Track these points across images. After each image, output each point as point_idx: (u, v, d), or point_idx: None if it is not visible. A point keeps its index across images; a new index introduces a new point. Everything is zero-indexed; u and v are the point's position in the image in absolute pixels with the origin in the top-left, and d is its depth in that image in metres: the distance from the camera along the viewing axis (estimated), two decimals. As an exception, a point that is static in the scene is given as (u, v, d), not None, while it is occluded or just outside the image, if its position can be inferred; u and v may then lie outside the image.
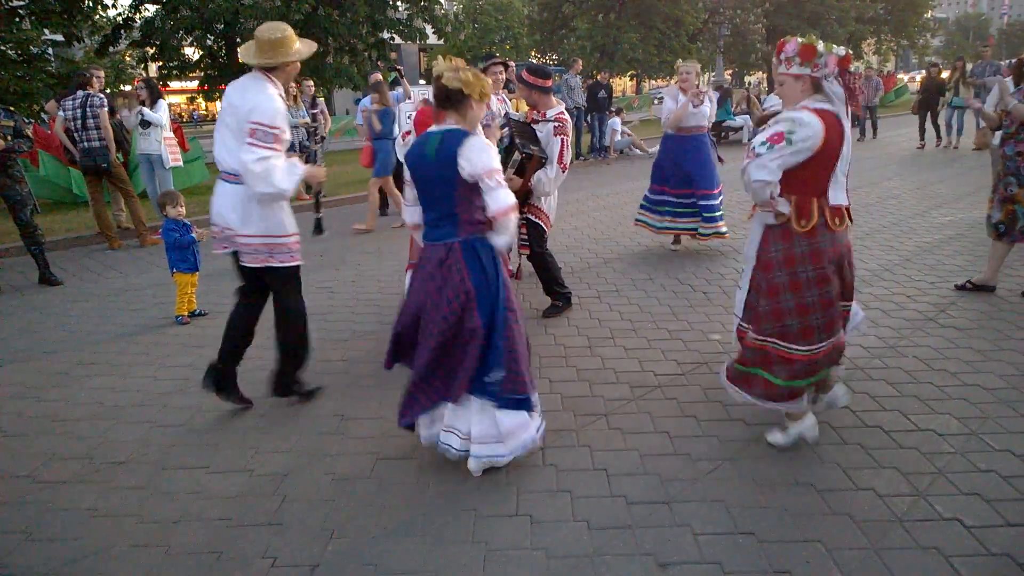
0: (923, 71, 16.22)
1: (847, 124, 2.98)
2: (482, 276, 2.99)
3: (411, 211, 3.26)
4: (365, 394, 4.04)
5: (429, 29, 19.20)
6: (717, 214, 6.69)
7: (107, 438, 3.66)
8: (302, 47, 3.59)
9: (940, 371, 4.03)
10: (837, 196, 3.04)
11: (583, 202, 10.05)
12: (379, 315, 5.44)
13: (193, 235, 5.39)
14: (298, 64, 3.63)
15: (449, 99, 2.94)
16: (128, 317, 5.69)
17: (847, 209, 3.14)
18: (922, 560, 2.51)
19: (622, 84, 41.45)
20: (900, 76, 36.30)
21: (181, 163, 9.34)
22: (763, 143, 2.88)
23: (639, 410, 3.72)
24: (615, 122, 15.32)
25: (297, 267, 3.77)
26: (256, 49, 3.50)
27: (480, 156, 2.88)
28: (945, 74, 15.03)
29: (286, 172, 3.42)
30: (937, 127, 14.82)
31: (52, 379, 4.48)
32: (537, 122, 5.01)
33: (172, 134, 8.73)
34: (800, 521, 2.74)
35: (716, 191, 6.69)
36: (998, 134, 5.09)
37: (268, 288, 3.81)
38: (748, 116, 17.63)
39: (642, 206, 7.03)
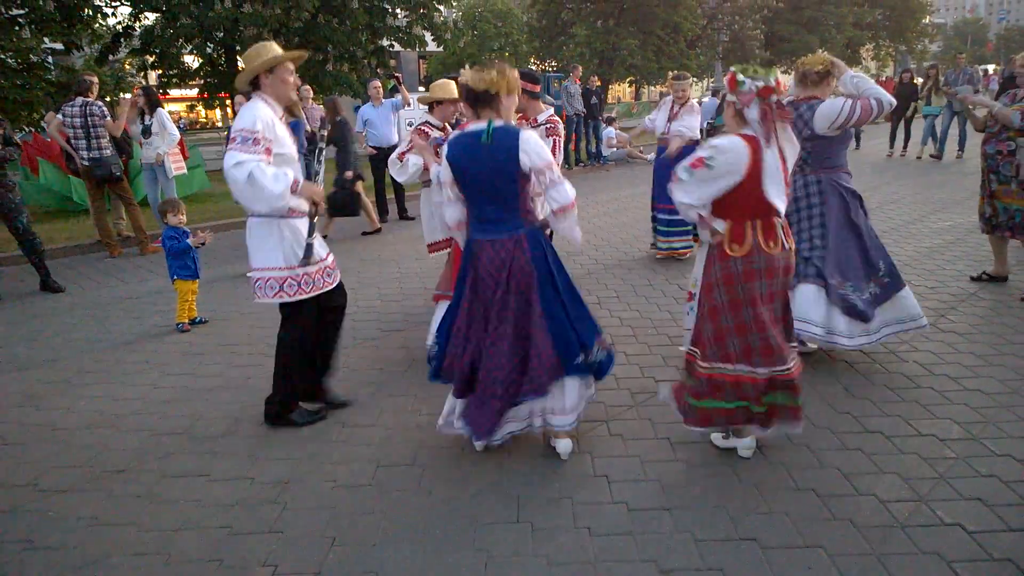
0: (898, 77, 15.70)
1: (766, 148, 2.93)
2: (550, 263, 3.12)
3: (452, 209, 3.23)
4: (366, 401, 4.04)
5: (428, 36, 19.26)
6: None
7: (107, 446, 3.66)
8: (267, 53, 3.37)
9: (941, 376, 4.03)
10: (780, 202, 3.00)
11: (583, 208, 10.05)
12: (379, 322, 5.44)
13: (189, 241, 5.39)
14: (285, 76, 3.40)
15: (480, 100, 3.01)
16: (128, 325, 5.69)
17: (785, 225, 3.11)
18: (924, 565, 2.51)
19: (620, 90, 41.56)
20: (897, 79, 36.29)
21: (185, 171, 9.36)
22: (685, 168, 3.01)
23: (640, 416, 3.71)
24: (610, 132, 15.21)
25: (300, 302, 3.58)
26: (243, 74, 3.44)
27: (539, 149, 2.96)
28: (919, 80, 14.63)
29: (273, 177, 3.22)
30: (908, 134, 14.46)
31: (52, 387, 4.48)
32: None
33: (176, 141, 8.70)
34: (801, 527, 2.74)
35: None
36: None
37: (324, 305, 3.73)
38: None
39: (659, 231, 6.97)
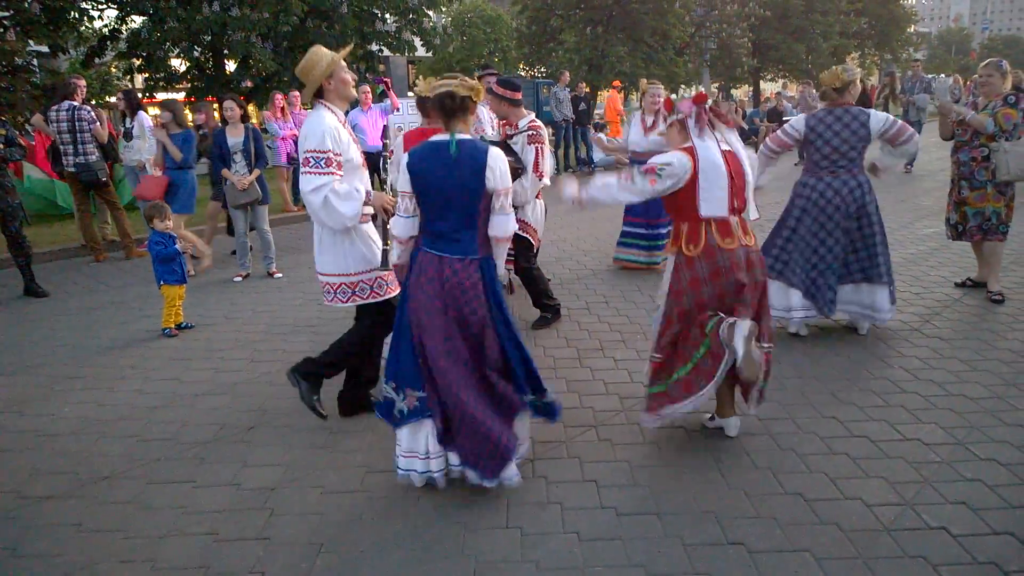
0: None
1: (705, 145, 3.25)
2: (501, 297, 3.02)
3: (406, 224, 3.07)
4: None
5: (418, 42, 19.26)
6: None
7: (93, 453, 3.62)
8: (331, 57, 3.39)
9: (926, 381, 4.07)
10: (713, 207, 3.25)
11: (572, 214, 10.06)
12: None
13: (177, 247, 5.37)
14: (341, 75, 3.41)
15: (458, 108, 2.95)
16: (114, 330, 5.64)
17: (741, 223, 3.34)
18: (910, 569, 2.53)
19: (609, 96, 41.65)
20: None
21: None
22: (639, 172, 3.31)
23: (629, 421, 3.72)
24: (600, 138, 15.25)
25: (385, 302, 3.63)
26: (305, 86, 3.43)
27: (506, 172, 2.94)
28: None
29: (346, 198, 3.30)
30: None
31: (36, 393, 4.43)
32: (511, 136, 5.05)
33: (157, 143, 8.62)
34: (789, 531, 2.76)
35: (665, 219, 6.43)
36: None
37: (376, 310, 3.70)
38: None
39: (622, 243, 6.86)
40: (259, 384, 4.43)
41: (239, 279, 7.04)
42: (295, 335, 5.33)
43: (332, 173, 3.30)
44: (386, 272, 3.54)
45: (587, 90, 16.47)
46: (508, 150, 4.90)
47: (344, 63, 3.45)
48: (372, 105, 9.56)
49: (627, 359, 4.56)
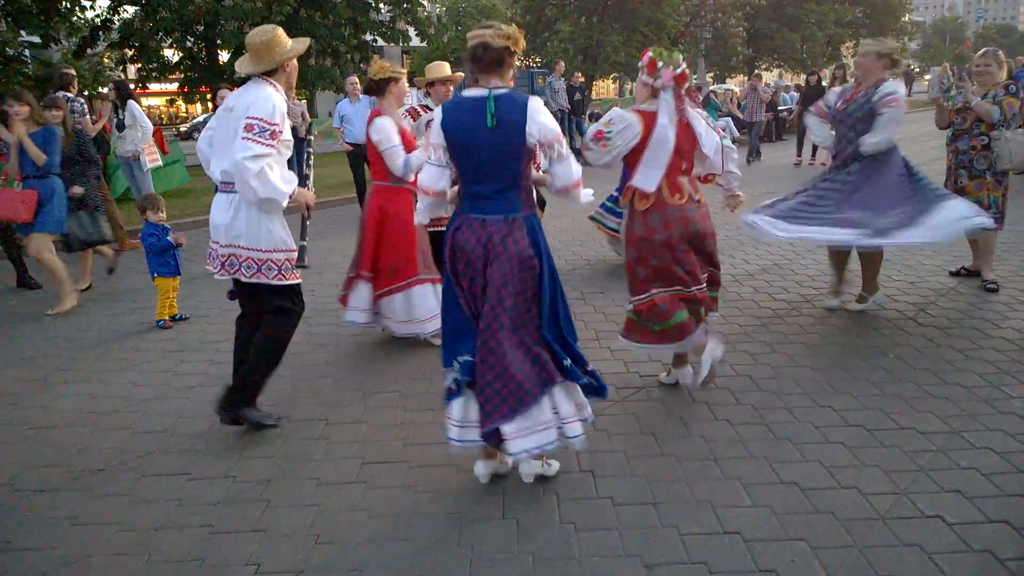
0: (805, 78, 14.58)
1: (665, 123, 3.43)
2: (549, 254, 2.86)
3: (432, 171, 2.88)
4: (349, 397, 4.01)
5: (412, 31, 19.17)
6: None
7: (86, 445, 3.61)
8: (296, 44, 3.40)
9: (921, 370, 4.07)
10: (645, 180, 3.49)
11: (567, 204, 10.07)
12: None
13: (170, 238, 5.34)
14: (295, 63, 3.42)
15: (493, 61, 2.72)
16: (107, 322, 5.62)
17: (691, 182, 3.64)
18: (905, 557, 2.53)
19: (604, 86, 41.62)
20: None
21: (160, 163, 9.20)
22: (591, 138, 3.52)
23: (624, 411, 3.72)
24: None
25: (292, 286, 3.55)
26: (249, 58, 3.34)
27: (548, 120, 2.73)
28: (827, 82, 13.46)
29: (283, 177, 3.25)
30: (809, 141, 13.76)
31: (29, 385, 4.41)
32: None
33: (150, 132, 8.56)
34: (785, 520, 2.76)
35: None
36: None
37: (260, 303, 3.57)
38: (730, 118, 17.78)
39: (604, 206, 6.66)
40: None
41: (233, 271, 6.99)
42: (290, 326, 5.30)
43: (273, 147, 3.21)
44: (283, 257, 3.45)
45: (582, 80, 16.43)
46: None
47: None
48: (360, 96, 9.40)
49: (622, 349, 4.54)
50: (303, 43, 3.46)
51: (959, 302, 5.23)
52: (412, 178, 4.33)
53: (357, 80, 9.64)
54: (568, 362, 2.89)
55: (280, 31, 3.36)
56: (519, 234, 2.76)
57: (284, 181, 3.28)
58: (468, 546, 2.69)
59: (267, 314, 3.57)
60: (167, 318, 5.44)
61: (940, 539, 2.62)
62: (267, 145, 3.18)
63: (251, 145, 3.15)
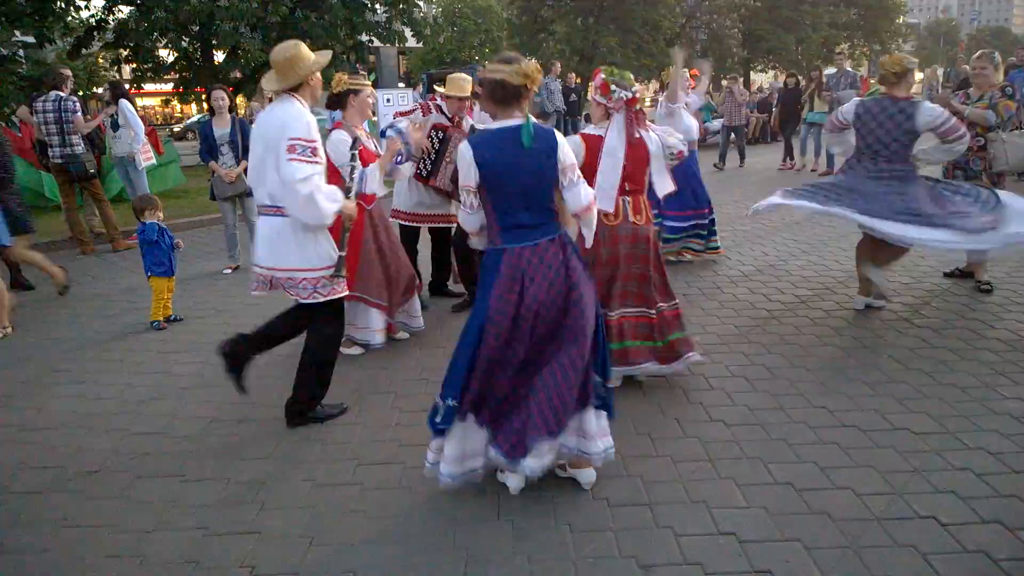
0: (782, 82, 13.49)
1: (614, 144, 3.65)
2: (583, 268, 2.92)
3: (474, 218, 2.90)
4: (345, 399, 4.00)
5: (408, 32, 19.15)
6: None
7: (80, 447, 3.59)
8: (319, 57, 3.45)
9: (915, 371, 4.08)
10: (603, 200, 3.62)
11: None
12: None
13: (172, 241, 5.35)
14: (319, 76, 3.46)
15: (512, 96, 2.76)
16: (101, 323, 5.60)
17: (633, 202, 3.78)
18: (899, 558, 2.54)
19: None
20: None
21: (154, 161, 9.17)
22: None
23: (620, 413, 3.70)
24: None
25: (339, 307, 3.67)
26: (275, 75, 3.39)
27: (570, 147, 2.87)
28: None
29: (328, 196, 3.33)
30: (791, 146, 13.28)
31: (22, 387, 4.39)
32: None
33: (142, 132, 8.51)
34: (780, 521, 2.76)
35: (706, 210, 6.65)
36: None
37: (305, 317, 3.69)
38: (722, 120, 17.76)
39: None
40: (249, 377, 4.38)
41: (228, 271, 7.00)
42: (285, 327, 5.29)
43: (318, 163, 3.29)
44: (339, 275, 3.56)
45: (578, 81, 16.44)
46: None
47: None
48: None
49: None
50: (326, 56, 3.53)
51: (953, 303, 5.25)
52: (367, 192, 4.31)
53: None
54: (598, 379, 2.95)
55: (303, 47, 3.41)
56: (568, 251, 2.86)
57: (331, 201, 3.35)
58: (463, 548, 2.69)
59: (311, 330, 3.71)
60: (161, 319, 5.42)
61: (934, 539, 2.62)
62: (312, 163, 3.26)
63: (299, 166, 3.22)
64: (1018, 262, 6.09)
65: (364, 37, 18.11)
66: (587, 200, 2.88)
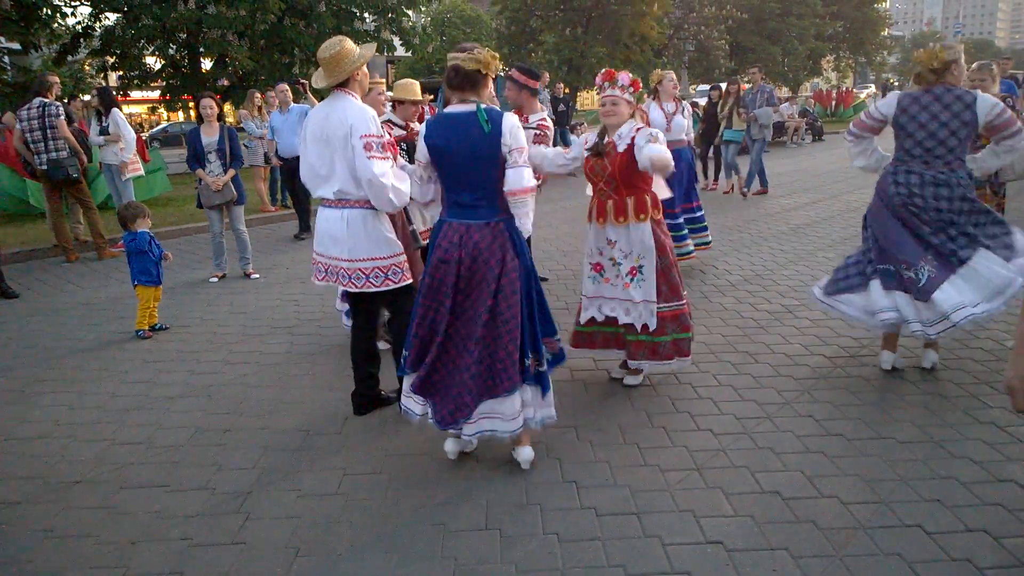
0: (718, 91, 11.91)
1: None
2: (527, 254, 3.11)
3: (420, 189, 3.31)
4: (332, 409, 3.98)
5: (397, 41, 19.19)
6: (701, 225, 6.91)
7: (63, 456, 3.55)
8: (363, 50, 3.54)
9: (900, 380, 4.11)
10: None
11: (552, 214, 10.08)
12: (345, 329, 5.37)
13: (161, 253, 5.33)
14: (365, 70, 3.58)
15: (467, 81, 2.98)
16: (86, 332, 5.55)
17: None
18: (885, 566, 2.55)
19: (588, 97, 41.88)
20: (856, 92, 37.34)
21: (142, 172, 9.11)
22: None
23: (608, 422, 3.72)
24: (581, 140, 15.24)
25: (410, 284, 3.74)
26: (324, 71, 3.48)
27: (519, 132, 3.00)
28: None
29: (401, 178, 3.44)
30: (709, 164, 12.22)
31: (5, 396, 4.34)
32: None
33: (132, 142, 8.48)
34: (766, 529, 2.77)
35: (694, 204, 6.85)
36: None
37: (376, 303, 3.82)
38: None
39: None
40: (235, 386, 4.37)
41: (215, 280, 6.96)
42: (272, 336, 5.28)
43: (390, 157, 3.44)
44: (404, 258, 3.69)
45: (566, 91, 16.51)
46: None
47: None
48: (292, 106, 8.77)
49: (605, 359, 4.56)
50: (370, 49, 3.62)
51: (937, 312, 5.29)
52: None
53: (288, 88, 9.04)
54: (528, 360, 3.12)
55: (348, 42, 3.50)
56: (502, 239, 3.04)
57: (405, 182, 3.44)
58: (451, 557, 2.68)
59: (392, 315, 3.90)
60: (147, 328, 5.38)
61: (920, 548, 2.64)
62: (385, 158, 3.40)
63: (377, 162, 3.34)
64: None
65: (353, 46, 18.12)
66: (519, 184, 3.01)
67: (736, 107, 10.96)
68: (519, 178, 3.00)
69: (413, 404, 3.27)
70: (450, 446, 3.32)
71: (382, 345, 4.50)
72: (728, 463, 3.27)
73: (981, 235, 3.85)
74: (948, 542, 2.66)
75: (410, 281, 3.73)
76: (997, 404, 3.76)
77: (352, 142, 3.35)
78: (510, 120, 3.00)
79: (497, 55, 3.09)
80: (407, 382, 3.30)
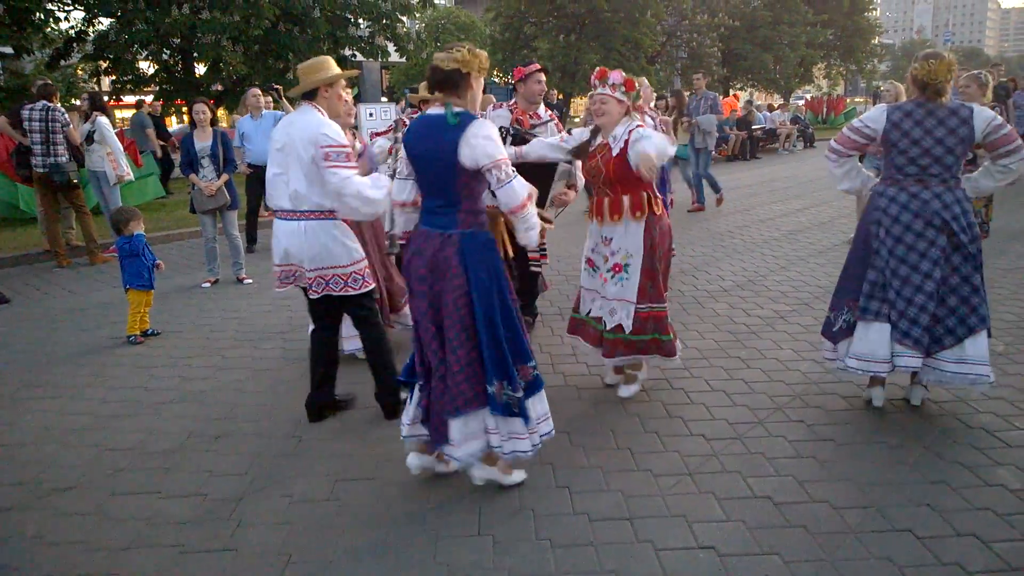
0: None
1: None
2: (481, 273, 2.86)
3: (399, 184, 3.19)
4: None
5: (391, 47, 19.20)
6: None
7: (54, 462, 3.53)
8: (337, 71, 3.60)
9: (890, 385, 4.12)
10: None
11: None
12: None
13: (154, 260, 5.32)
14: (340, 94, 3.63)
15: (447, 81, 2.82)
16: (77, 337, 5.52)
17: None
18: (876, 570, 2.56)
19: (582, 104, 42.00)
20: (848, 100, 37.61)
21: (132, 177, 9.05)
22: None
23: (601, 427, 3.73)
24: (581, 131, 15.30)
25: (372, 290, 3.81)
26: (300, 83, 3.57)
27: (486, 145, 2.75)
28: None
29: (374, 185, 3.43)
30: (688, 181, 10.73)
31: (-4, 402, 4.32)
32: (535, 126, 5.00)
33: (121, 151, 8.40)
34: (758, 534, 2.78)
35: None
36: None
37: (339, 311, 3.86)
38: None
39: None
40: (227, 392, 4.36)
41: (207, 285, 6.94)
42: (264, 342, 5.26)
43: (355, 167, 3.44)
44: (363, 265, 3.72)
45: (560, 96, 16.55)
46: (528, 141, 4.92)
47: (344, 83, 3.67)
48: (264, 113, 8.51)
49: (599, 364, 4.56)
50: (348, 73, 3.72)
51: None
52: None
53: (260, 93, 8.74)
54: (492, 388, 2.90)
55: (326, 61, 3.60)
56: (451, 251, 2.85)
57: (377, 188, 3.44)
58: (444, 563, 2.68)
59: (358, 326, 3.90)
60: (138, 333, 5.36)
61: (910, 552, 2.65)
62: (350, 167, 3.41)
63: (338, 171, 3.37)
64: (993, 272, 6.20)
65: (347, 52, 18.13)
66: (520, 198, 2.85)
67: (678, 119, 10.18)
68: (509, 196, 2.83)
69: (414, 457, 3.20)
70: (412, 460, 3.20)
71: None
72: (720, 468, 3.28)
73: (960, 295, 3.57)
74: (938, 546, 2.67)
75: (372, 287, 3.77)
76: (986, 409, 3.78)
77: (312, 153, 3.39)
78: (474, 132, 2.75)
79: (481, 53, 2.88)
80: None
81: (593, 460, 3.39)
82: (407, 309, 4.88)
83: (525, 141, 4.83)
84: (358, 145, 4.41)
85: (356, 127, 4.28)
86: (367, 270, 3.75)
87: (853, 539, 2.73)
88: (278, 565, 2.69)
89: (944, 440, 3.47)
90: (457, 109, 2.82)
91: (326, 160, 3.36)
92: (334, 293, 3.64)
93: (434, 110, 2.91)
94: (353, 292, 3.67)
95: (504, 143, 4.84)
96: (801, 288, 6.25)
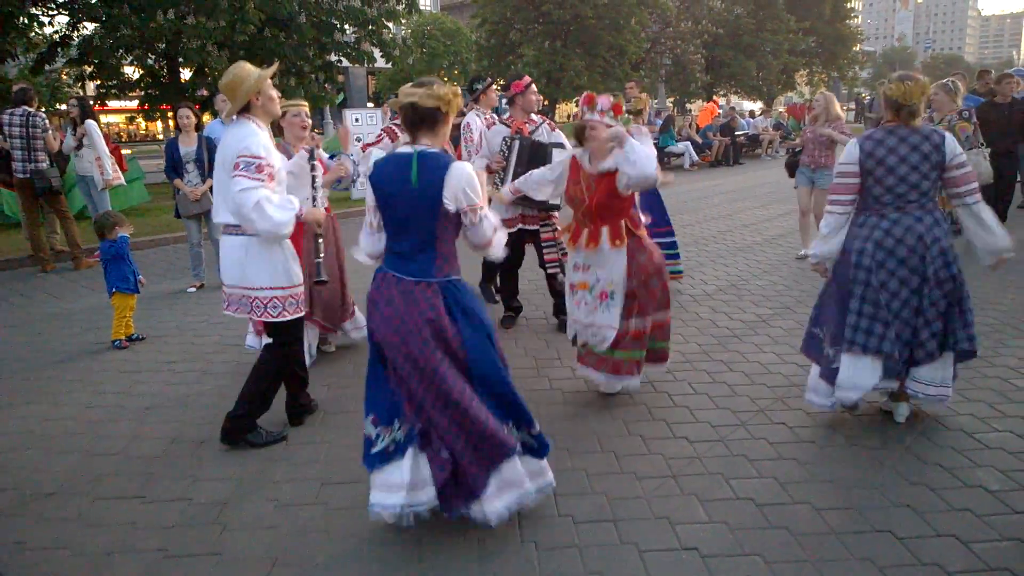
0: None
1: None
2: (465, 321, 2.75)
3: (370, 239, 2.89)
4: (310, 418, 3.97)
5: (377, 53, 19.20)
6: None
7: (37, 468, 3.51)
8: (259, 73, 3.42)
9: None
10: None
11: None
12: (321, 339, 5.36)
13: (137, 276, 5.31)
14: (268, 93, 3.48)
15: (424, 120, 2.70)
16: (61, 342, 5.48)
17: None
18: (857, 571, 2.59)
19: (568, 109, 42.20)
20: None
21: (123, 181, 8.98)
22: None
23: (585, 429, 3.75)
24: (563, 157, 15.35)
25: (300, 319, 3.66)
26: (227, 99, 3.49)
27: (469, 187, 2.66)
28: None
29: (280, 206, 3.30)
30: None
31: (-23, 408, 4.28)
32: (532, 131, 5.14)
33: (108, 155, 8.35)
34: (740, 536, 2.81)
35: (665, 229, 6.46)
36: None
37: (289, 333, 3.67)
38: (689, 143, 18.17)
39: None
40: (211, 397, 4.35)
41: (193, 290, 6.91)
42: (250, 347, 5.24)
43: (262, 181, 3.28)
44: (303, 290, 3.62)
45: (545, 103, 16.62)
46: (535, 144, 5.01)
47: (270, 81, 3.50)
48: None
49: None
50: (269, 69, 3.50)
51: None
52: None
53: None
54: (510, 430, 2.88)
55: (245, 67, 3.43)
56: (425, 303, 2.69)
57: (282, 210, 3.31)
58: (429, 566, 2.68)
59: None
60: (123, 338, 5.33)
61: (891, 552, 2.69)
62: (255, 179, 3.25)
63: (240, 180, 3.24)
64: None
65: (333, 57, 18.11)
66: (486, 237, 2.79)
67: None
68: (478, 236, 2.77)
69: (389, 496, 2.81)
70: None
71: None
72: (703, 470, 3.31)
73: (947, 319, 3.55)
74: (918, 547, 2.71)
75: (301, 315, 3.62)
76: (965, 411, 3.84)
77: (230, 162, 3.33)
78: (457, 173, 2.64)
79: (459, 92, 2.78)
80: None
81: (577, 463, 3.41)
82: (358, 317, 4.90)
83: (535, 144, 4.92)
84: (297, 161, 4.05)
85: (313, 148, 4.00)
86: (302, 297, 3.60)
87: (834, 540, 2.77)
88: (263, 569, 2.69)
89: (924, 442, 3.52)
90: (422, 148, 2.71)
91: (235, 168, 3.25)
92: (270, 318, 3.50)
93: (405, 149, 2.74)
94: (288, 317, 3.53)
95: (512, 150, 4.95)
96: (784, 292, 6.31)
